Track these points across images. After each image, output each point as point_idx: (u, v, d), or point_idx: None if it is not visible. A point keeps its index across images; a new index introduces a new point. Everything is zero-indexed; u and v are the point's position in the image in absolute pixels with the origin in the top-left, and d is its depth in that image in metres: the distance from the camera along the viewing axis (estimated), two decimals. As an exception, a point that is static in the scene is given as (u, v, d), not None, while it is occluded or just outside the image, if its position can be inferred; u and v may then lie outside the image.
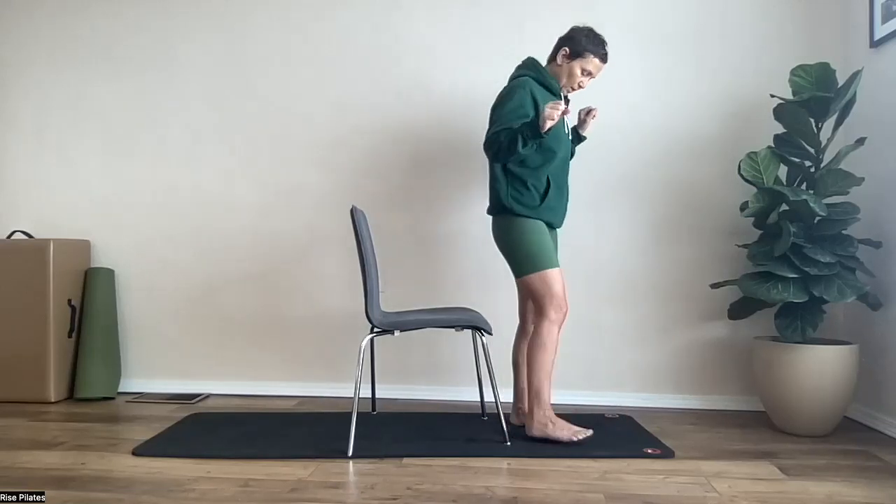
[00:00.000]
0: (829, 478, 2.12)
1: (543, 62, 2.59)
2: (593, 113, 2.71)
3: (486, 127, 2.47)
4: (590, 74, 2.55)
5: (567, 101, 2.62)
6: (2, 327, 3.10)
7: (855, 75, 2.56)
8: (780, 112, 2.68)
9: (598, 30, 3.13)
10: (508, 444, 2.40)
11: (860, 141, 2.63)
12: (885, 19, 2.68)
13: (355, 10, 3.24)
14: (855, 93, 2.59)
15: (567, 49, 2.52)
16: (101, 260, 3.38)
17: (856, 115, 2.76)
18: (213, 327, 3.32)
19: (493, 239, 2.59)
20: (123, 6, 3.37)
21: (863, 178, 2.56)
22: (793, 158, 2.71)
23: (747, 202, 2.68)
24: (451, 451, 2.35)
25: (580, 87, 2.57)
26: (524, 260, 2.45)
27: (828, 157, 2.72)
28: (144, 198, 3.36)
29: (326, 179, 3.25)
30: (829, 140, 2.66)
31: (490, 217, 2.59)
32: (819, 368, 2.51)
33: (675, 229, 3.10)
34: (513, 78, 2.55)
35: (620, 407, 3.03)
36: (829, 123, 2.72)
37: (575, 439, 2.38)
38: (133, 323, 3.36)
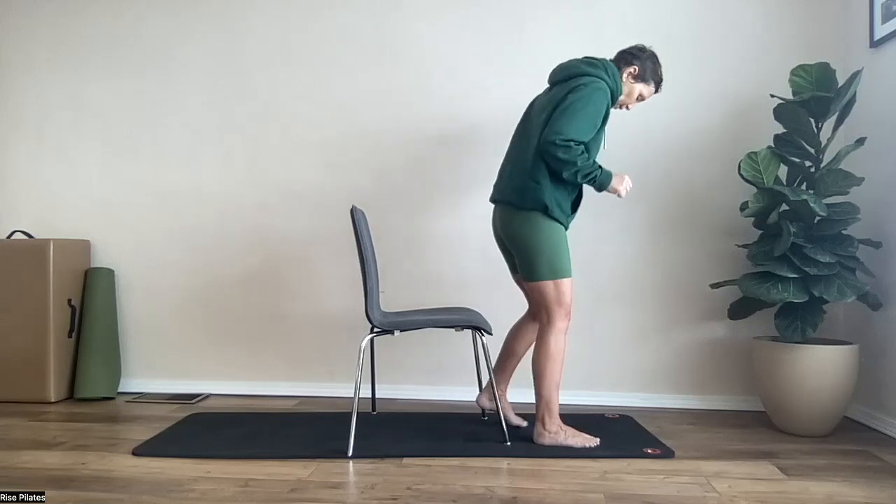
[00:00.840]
0: (829, 478, 2.12)
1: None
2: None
3: (540, 125, 2.33)
4: (642, 100, 2.53)
5: None
6: (2, 327, 3.10)
7: (855, 75, 2.56)
8: (780, 112, 2.68)
9: (597, 30, 3.15)
10: (508, 444, 2.40)
11: (860, 141, 2.63)
12: (885, 19, 2.68)
13: (355, 10, 3.24)
14: (855, 93, 2.59)
15: (636, 68, 2.46)
16: (101, 260, 3.38)
17: (856, 115, 2.76)
18: (213, 327, 3.32)
19: (500, 232, 2.47)
20: (124, 7, 3.37)
21: (863, 178, 2.56)
22: (793, 158, 2.71)
23: (747, 202, 2.68)
24: (451, 451, 2.35)
25: (628, 108, 2.55)
26: (546, 265, 2.36)
27: (828, 157, 2.72)
28: (144, 198, 3.36)
29: (326, 179, 3.25)
30: (829, 140, 2.66)
31: (495, 208, 2.50)
32: (819, 368, 2.51)
33: (675, 229, 3.10)
34: (586, 74, 2.37)
35: (620, 407, 3.03)
36: (829, 123, 2.72)
37: (587, 445, 2.38)
38: (133, 323, 3.36)
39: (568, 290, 2.39)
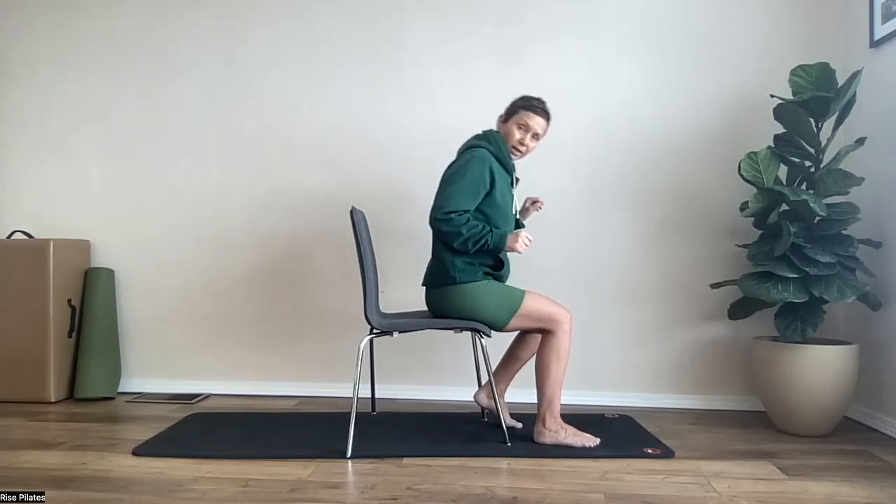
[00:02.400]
0: (829, 478, 2.12)
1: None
2: (538, 205, 2.69)
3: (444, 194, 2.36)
4: (528, 129, 2.45)
5: (517, 180, 2.58)
6: (2, 327, 3.10)
7: (855, 75, 2.56)
8: (780, 112, 2.68)
9: (597, 30, 3.14)
10: (508, 444, 2.40)
11: (860, 141, 2.63)
12: (885, 19, 2.68)
13: (357, 11, 3.24)
14: (855, 93, 2.59)
15: (501, 115, 2.52)
16: (101, 260, 3.38)
17: (856, 115, 2.76)
18: (213, 327, 3.32)
19: (430, 309, 2.49)
20: (124, 7, 3.37)
21: (863, 178, 2.56)
22: (793, 158, 2.71)
23: (747, 202, 2.68)
24: (451, 451, 2.35)
25: (522, 145, 2.46)
26: (496, 314, 2.37)
27: (828, 157, 2.72)
28: (144, 198, 3.36)
29: (326, 179, 3.25)
30: (829, 140, 2.66)
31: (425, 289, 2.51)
32: (819, 368, 2.51)
33: (675, 229, 3.10)
34: (469, 147, 2.47)
35: (620, 407, 3.03)
36: (829, 123, 2.72)
37: (587, 445, 2.38)
38: (133, 323, 3.36)
39: (537, 305, 2.38)
